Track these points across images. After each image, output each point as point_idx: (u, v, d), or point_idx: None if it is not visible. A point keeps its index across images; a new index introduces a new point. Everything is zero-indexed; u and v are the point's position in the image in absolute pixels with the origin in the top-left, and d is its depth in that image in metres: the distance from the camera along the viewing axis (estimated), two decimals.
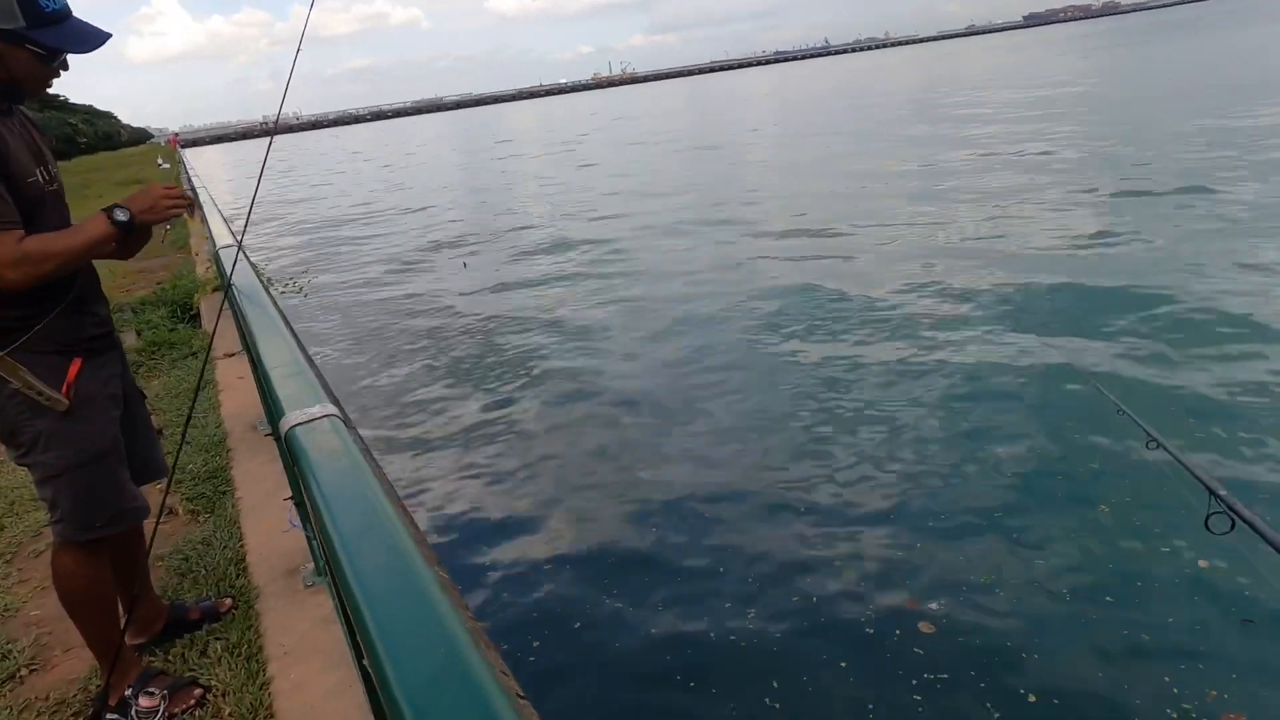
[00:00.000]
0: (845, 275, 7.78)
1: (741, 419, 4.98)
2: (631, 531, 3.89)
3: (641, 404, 5.46)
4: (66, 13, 1.70)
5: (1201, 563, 3.12)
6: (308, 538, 2.51)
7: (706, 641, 3.04)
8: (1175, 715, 2.49)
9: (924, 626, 2.99)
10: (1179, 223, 7.98)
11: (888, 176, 13.44)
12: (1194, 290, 6.08)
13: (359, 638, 0.96)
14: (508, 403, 5.74)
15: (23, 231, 1.64)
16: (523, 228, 13.02)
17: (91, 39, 1.72)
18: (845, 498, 3.93)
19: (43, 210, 1.73)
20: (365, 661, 0.94)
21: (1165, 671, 2.66)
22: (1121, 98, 20.65)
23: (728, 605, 3.23)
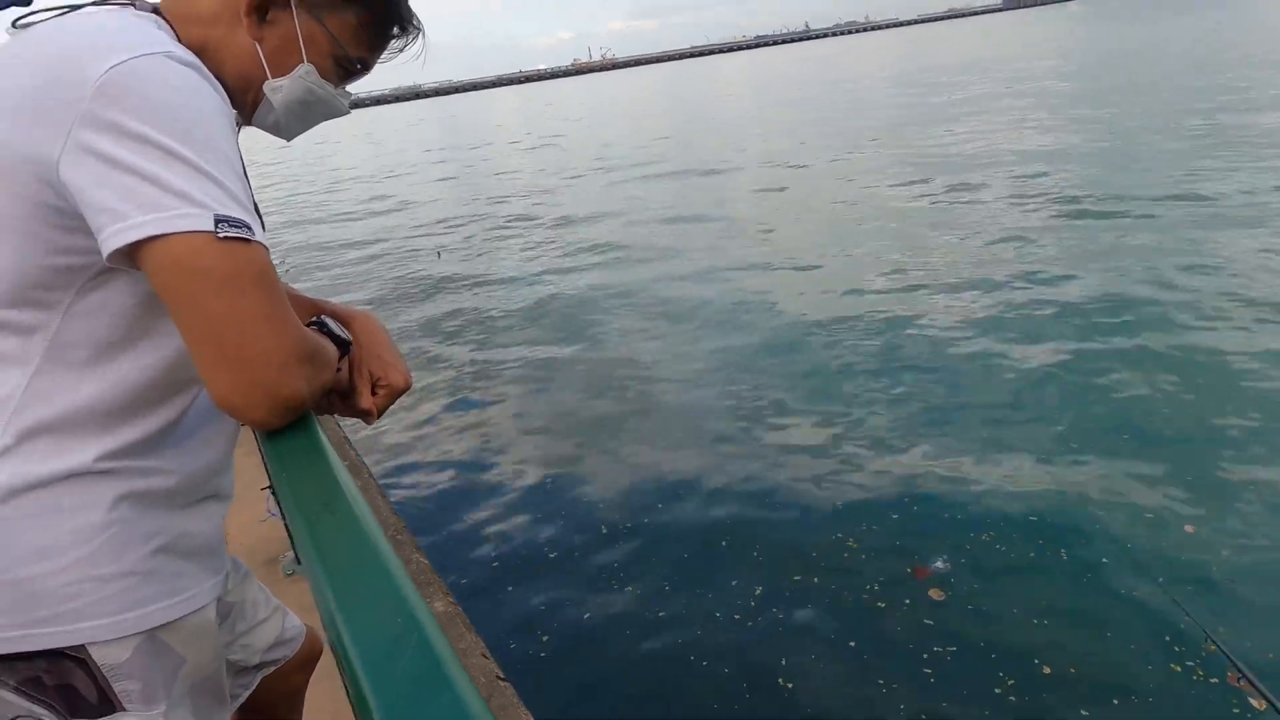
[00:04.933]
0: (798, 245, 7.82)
1: (733, 384, 5.05)
2: (625, 509, 3.91)
3: (634, 373, 5.49)
4: None
5: None
6: (286, 526, 2.50)
7: (710, 620, 3.06)
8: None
9: (934, 594, 3.03)
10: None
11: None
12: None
13: (323, 620, 0.97)
14: (492, 381, 5.74)
15: None
16: (520, 216, 12.93)
17: None
18: (850, 469, 3.97)
19: None
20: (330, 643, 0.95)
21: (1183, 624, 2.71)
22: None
23: (733, 583, 3.25)
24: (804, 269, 7.41)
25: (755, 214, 10.30)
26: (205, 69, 0.79)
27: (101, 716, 0.83)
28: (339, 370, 0.95)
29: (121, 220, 0.70)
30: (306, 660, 1.28)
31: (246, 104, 0.91)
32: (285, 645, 1.22)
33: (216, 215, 0.71)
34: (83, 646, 0.80)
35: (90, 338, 0.79)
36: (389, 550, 0.58)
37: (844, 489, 3.79)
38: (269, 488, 2.55)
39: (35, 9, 0.83)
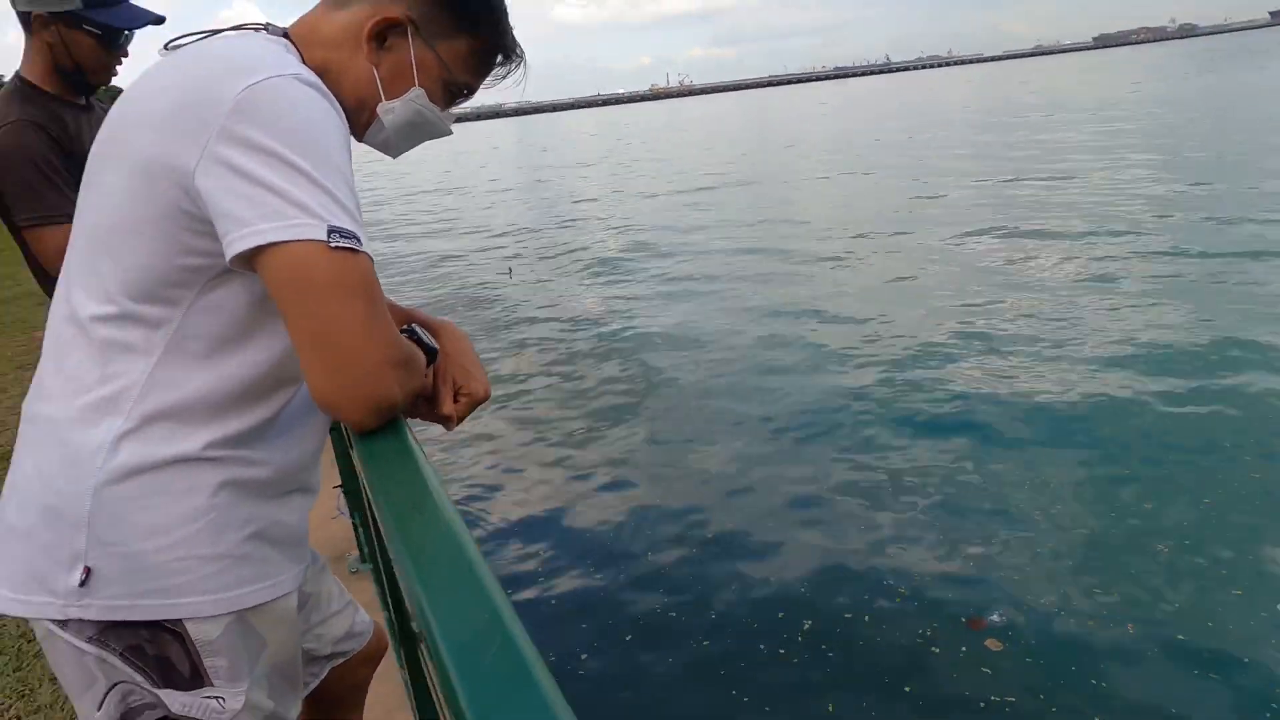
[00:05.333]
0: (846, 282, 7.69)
1: (790, 419, 5.00)
2: (675, 531, 3.90)
3: (700, 394, 5.50)
4: None
5: None
6: (354, 525, 2.59)
7: (756, 654, 3.02)
8: None
9: (990, 644, 2.95)
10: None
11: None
12: None
13: (409, 621, 1.01)
14: (559, 396, 5.81)
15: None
16: (582, 247, 13.14)
17: (146, 15, 1.81)
18: (908, 509, 3.89)
19: None
20: (420, 647, 0.98)
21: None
22: None
23: (780, 615, 3.21)
24: (868, 318, 7.26)
25: (825, 253, 10.19)
26: (327, 90, 0.85)
27: (191, 689, 0.88)
28: (425, 376, 0.99)
29: (246, 226, 0.76)
30: (373, 655, 1.32)
31: (360, 123, 0.97)
32: (355, 639, 1.26)
33: (330, 226, 0.76)
34: (180, 621, 0.86)
35: (207, 333, 0.86)
36: (474, 548, 0.61)
37: (900, 537, 3.71)
38: (339, 486, 2.64)
39: (184, 34, 0.91)
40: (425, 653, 0.94)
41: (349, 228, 0.77)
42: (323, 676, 1.22)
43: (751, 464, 4.60)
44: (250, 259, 0.77)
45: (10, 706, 2.09)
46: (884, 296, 7.66)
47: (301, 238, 0.75)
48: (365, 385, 0.78)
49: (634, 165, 26.52)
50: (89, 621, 0.84)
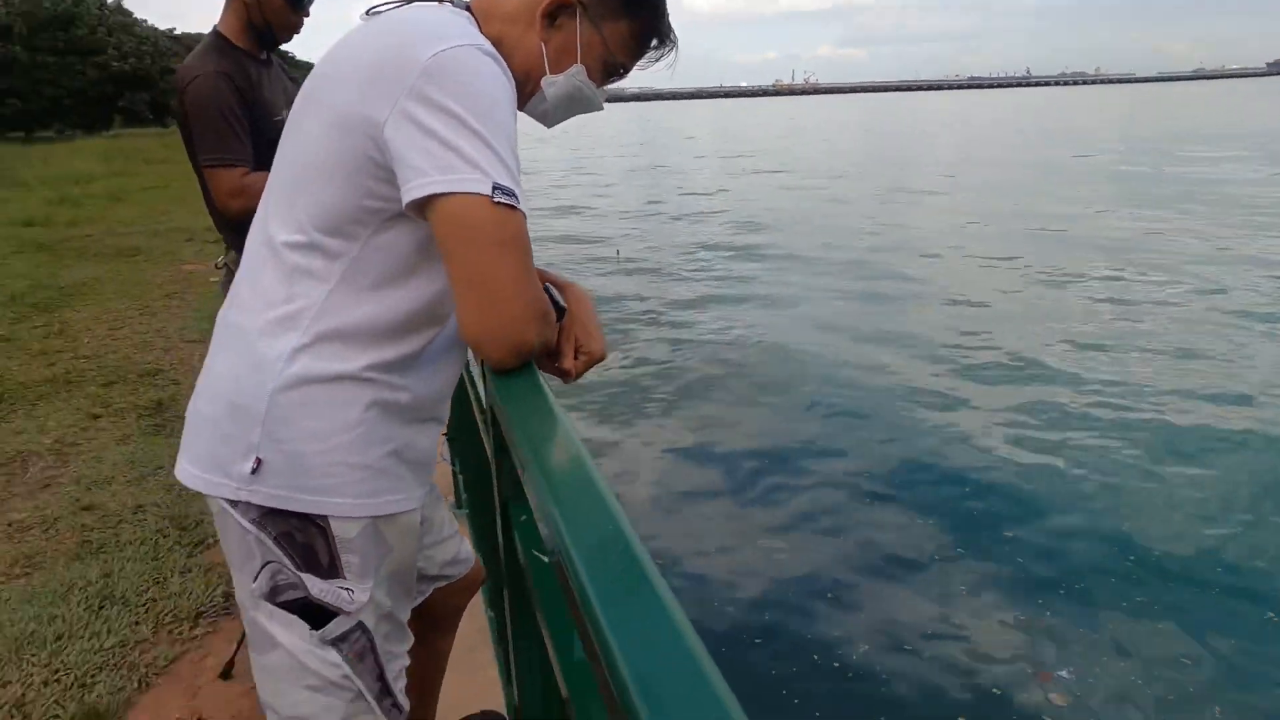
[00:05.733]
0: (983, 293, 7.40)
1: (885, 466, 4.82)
2: (753, 551, 3.92)
3: (803, 410, 5.48)
4: None
5: None
6: (454, 472, 2.75)
7: (815, 679, 2.97)
8: None
9: (1055, 698, 2.87)
10: None
11: None
12: None
13: (516, 555, 1.10)
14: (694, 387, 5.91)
15: (247, 169, 1.92)
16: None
17: None
18: (978, 557, 3.79)
19: None
20: (525, 580, 1.06)
21: None
22: None
23: (835, 666, 3.13)
24: (997, 347, 7.04)
25: (947, 283, 9.87)
26: (502, 60, 0.94)
27: (328, 578, 1.00)
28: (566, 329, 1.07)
29: (423, 176, 0.85)
30: (470, 584, 1.44)
31: (524, 93, 1.06)
32: (458, 565, 1.38)
33: (495, 183, 0.85)
34: (326, 518, 0.98)
35: (375, 268, 0.96)
36: (599, 474, 0.68)
37: (983, 583, 3.60)
38: (445, 434, 2.81)
39: (383, 2, 1.02)
40: (530, 582, 1.04)
41: (510, 186, 0.86)
42: (427, 595, 1.34)
43: (841, 492, 4.51)
44: (422, 206, 0.87)
45: (147, 589, 2.34)
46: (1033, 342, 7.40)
47: (469, 190, 0.84)
48: (509, 329, 0.87)
49: (756, 157, 26.29)
50: (254, 505, 0.96)
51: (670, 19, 1.11)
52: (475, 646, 2.00)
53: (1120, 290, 8.12)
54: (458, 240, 0.86)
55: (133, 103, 34.98)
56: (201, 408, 1.00)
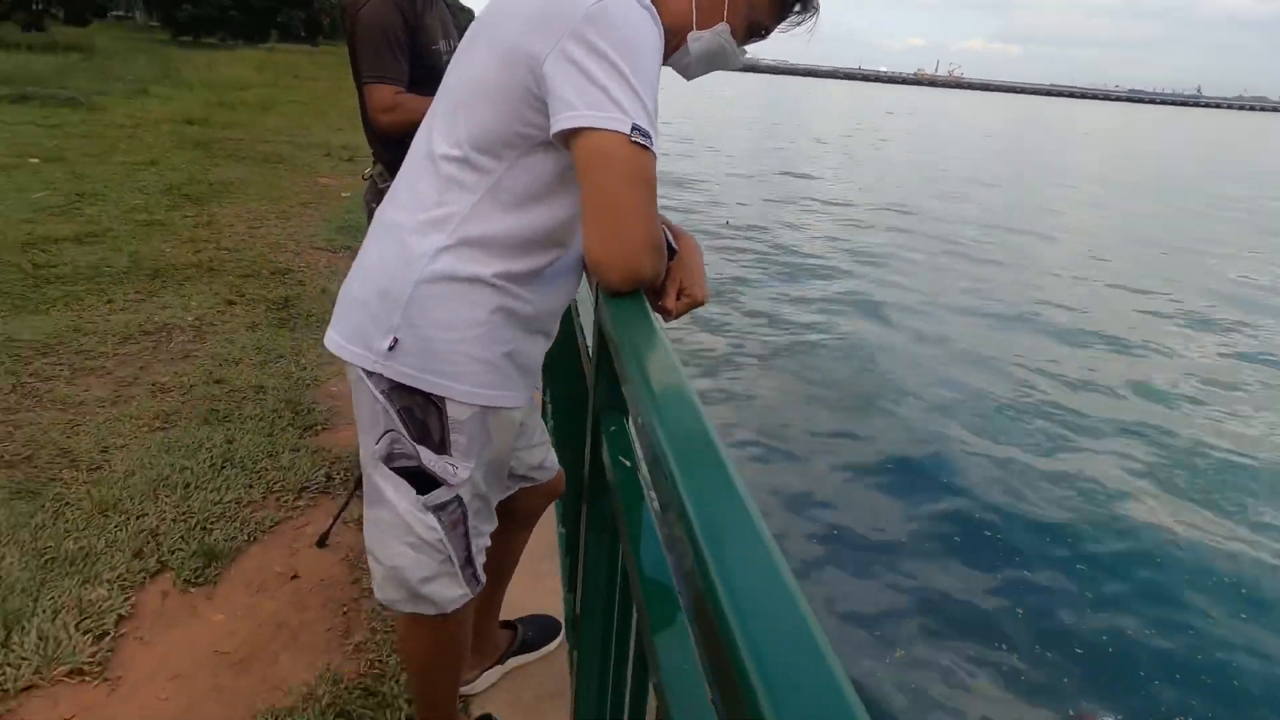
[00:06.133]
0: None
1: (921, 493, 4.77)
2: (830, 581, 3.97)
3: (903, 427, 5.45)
4: None
5: None
6: (544, 400, 2.90)
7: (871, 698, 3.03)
8: None
9: None
10: None
11: None
12: None
13: (604, 470, 1.22)
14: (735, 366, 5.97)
15: (401, 87, 2.07)
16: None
17: None
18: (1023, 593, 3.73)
19: (440, 76, 2.17)
20: (610, 493, 1.18)
21: None
22: None
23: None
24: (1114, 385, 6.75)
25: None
26: (656, 13, 1.02)
27: (439, 453, 1.14)
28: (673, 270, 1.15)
29: (572, 110, 0.96)
30: (552, 491, 1.58)
31: (670, 46, 1.15)
32: (543, 470, 1.52)
33: (634, 124, 0.95)
34: (444, 399, 1.12)
35: (516, 188, 1.08)
36: (692, 389, 0.78)
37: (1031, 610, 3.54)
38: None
39: None
40: (615, 483, 1.15)
41: (647, 128, 0.96)
42: (513, 492, 1.48)
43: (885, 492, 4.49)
44: (567, 137, 0.97)
45: (261, 459, 2.61)
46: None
47: (610, 127, 0.94)
48: (629, 256, 0.97)
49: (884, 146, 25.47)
50: (385, 379, 1.11)
51: None
52: (543, 557, 2.16)
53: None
54: (594, 170, 0.96)
55: (289, 19, 36.74)
56: (354, 289, 1.15)
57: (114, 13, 32.05)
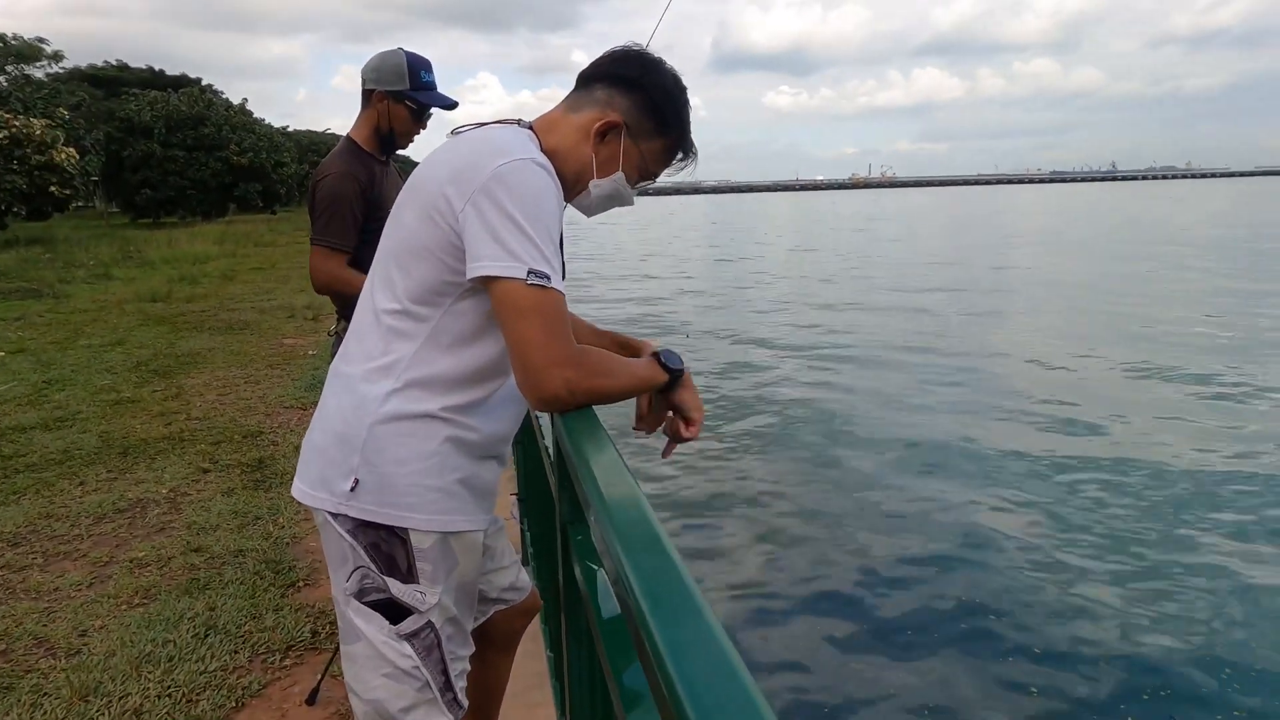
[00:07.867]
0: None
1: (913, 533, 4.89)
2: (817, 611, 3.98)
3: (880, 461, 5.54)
4: (434, 86, 2.36)
5: None
6: (522, 531, 2.95)
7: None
8: None
9: None
10: None
11: None
12: None
13: (576, 584, 1.28)
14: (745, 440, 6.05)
15: (346, 252, 2.25)
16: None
17: (447, 100, 2.37)
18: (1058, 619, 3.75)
19: None
20: (585, 611, 1.24)
21: None
22: None
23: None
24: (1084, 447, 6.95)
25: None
26: (553, 171, 1.19)
27: (406, 582, 1.21)
28: (675, 394, 1.29)
29: (479, 260, 1.11)
30: (528, 610, 1.63)
31: (574, 191, 1.32)
32: (516, 591, 1.57)
33: (530, 269, 1.10)
34: (406, 530, 1.20)
35: (453, 330, 1.21)
36: (643, 494, 0.88)
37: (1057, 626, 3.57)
38: (516, 494, 3.03)
39: (465, 124, 1.31)
40: (591, 615, 1.21)
41: (544, 270, 1.10)
42: (489, 616, 1.53)
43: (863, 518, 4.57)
44: (483, 283, 1.12)
45: (245, 623, 2.59)
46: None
47: (509, 275, 1.09)
48: (536, 380, 1.09)
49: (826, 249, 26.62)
50: (350, 518, 1.20)
51: (692, 136, 1.37)
52: (533, 687, 2.16)
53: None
54: (502, 311, 1.11)
55: (246, 192, 38.10)
56: (315, 438, 1.25)
57: (75, 204, 33.07)
